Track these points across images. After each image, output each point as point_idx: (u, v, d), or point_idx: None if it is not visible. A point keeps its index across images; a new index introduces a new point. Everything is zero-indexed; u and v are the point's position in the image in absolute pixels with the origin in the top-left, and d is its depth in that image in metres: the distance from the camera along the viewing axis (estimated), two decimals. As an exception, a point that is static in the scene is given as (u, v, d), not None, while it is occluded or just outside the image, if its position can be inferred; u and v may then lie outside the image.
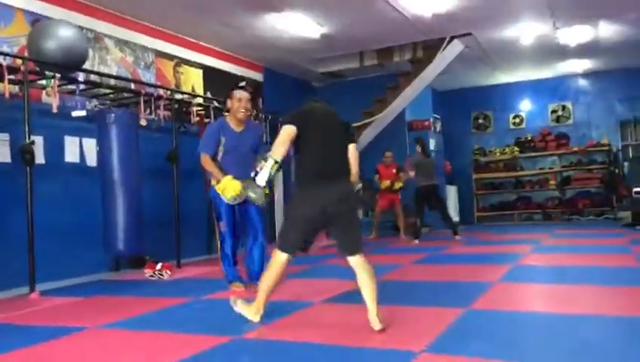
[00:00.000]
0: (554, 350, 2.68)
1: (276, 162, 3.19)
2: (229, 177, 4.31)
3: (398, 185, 9.18)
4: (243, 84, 4.72)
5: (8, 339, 3.34)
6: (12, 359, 2.95)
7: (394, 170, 9.28)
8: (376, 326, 3.11)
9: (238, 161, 4.45)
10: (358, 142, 9.96)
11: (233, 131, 4.55)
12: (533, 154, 12.09)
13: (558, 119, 12.17)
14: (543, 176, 12.08)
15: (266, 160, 3.21)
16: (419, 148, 8.86)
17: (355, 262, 3.30)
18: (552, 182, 11.91)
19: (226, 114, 4.67)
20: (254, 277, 4.43)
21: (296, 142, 3.30)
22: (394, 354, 2.69)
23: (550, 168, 12.03)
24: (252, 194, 3.65)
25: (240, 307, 3.47)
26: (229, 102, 4.55)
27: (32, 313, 4.20)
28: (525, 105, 12.52)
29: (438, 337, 2.91)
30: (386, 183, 9.20)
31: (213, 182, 4.50)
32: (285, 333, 3.19)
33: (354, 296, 4.25)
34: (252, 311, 3.40)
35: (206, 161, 4.46)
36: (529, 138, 12.18)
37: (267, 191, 3.70)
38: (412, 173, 8.64)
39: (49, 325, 3.73)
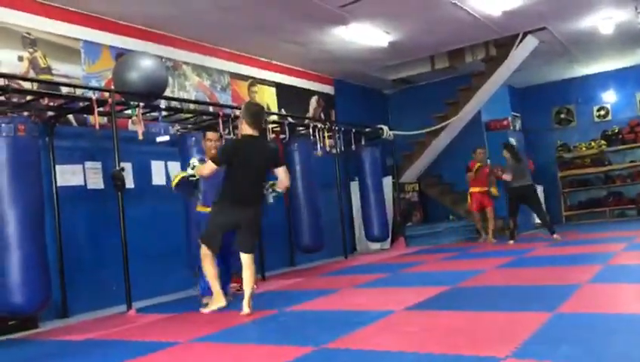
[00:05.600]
0: (648, 353, 2.56)
1: (192, 175, 4.84)
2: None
3: (494, 192, 8.88)
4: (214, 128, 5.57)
5: (110, 354, 3.58)
6: (114, 373, 3.17)
7: (487, 171, 8.89)
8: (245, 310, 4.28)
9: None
10: (431, 146, 9.90)
11: None
12: (622, 146, 11.48)
13: (647, 108, 11.50)
14: (634, 170, 11.43)
15: (190, 166, 4.84)
16: (507, 154, 8.56)
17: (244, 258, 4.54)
18: (646, 175, 11.24)
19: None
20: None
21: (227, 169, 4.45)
22: (478, 360, 2.66)
23: (642, 160, 11.37)
24: (188, 169, 4.93)
25: (210, 308, 4.62)
26: (202, 143, 5.24)
27: (130, 329, 4.46)
28: (610, 97, 11.92)
29: (524, 342, 2.85)
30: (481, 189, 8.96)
31: (198, 208, 5.14)
32: (367, 342, 3.23)
33: (435, 303, 4.25)
34: (217, 302, 4.60)
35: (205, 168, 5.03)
36: (616, 130, 11.58)
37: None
38: (508, 177, 8.35)
39: (146, 340, 3.95)
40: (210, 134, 5.20)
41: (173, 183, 5.06)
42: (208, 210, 4.79)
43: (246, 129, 4.51)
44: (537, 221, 9.87)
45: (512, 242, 8.28)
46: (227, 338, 3.74)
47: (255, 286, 4.53)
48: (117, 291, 5.24)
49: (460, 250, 8.23)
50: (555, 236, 8.09)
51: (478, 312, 3.80)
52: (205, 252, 4.50)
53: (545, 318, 3.32)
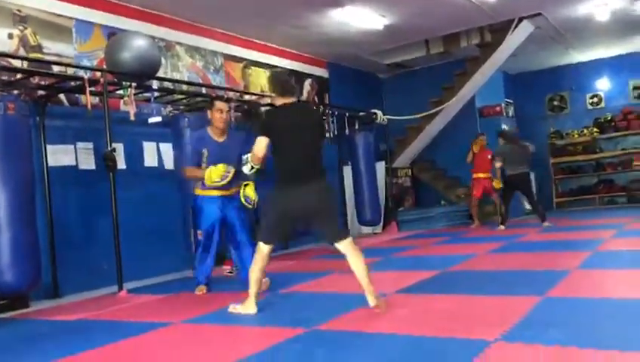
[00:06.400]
0: (635, 337, 2.59)
1: (253, 167, 3.73)
2: (209, 168, 4.41)
3: (497, 185, 8.84)
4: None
5: (101, 334, 3.58)
6: (105, 352, 3.17)
7: (489, 156, 8.85)
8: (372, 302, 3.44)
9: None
10: (425, 131, 9.90)
11: (215, 142, 4.63)
12: (615, 134, 11.52)
13: (640, 96, 11.53)
14: (626, 157, 11.47)
15: (245, 164, 3.76)
16: (501, 141, 8.60)
17: (341, 248, 3.58)
18: (637, 162, 11.29)
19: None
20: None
21: (272, 145, 3.63)
22: (467, 343, 2.68)
23: (634, 148, 11.41)
24: (245, 170, 3.85)
25: (238, 309, 3.78)
26: (209, 113, 4.67)
27: (122, 310, 4.46)
28: (603, 84, 11.93)
29: (514, 326, 2.88)
30: (485, 175, 8.95)
31: (197, 191, 4.65)
32: (359, 324, 3.25)
33: (426, 287, 4.28)
34: (248, 308, 3.73)
35: (188, 171, 4.63)
36: (609, 118, 11.60)
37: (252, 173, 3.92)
38: (498, 164, 8.40)
39: (137, 321, 3.95)
40: (219, 104, 4.68)
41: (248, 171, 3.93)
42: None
43: (280, 100, 3.84)
44: (528, 207, 9.92)
45: (502, 227, 8.33)
46: (219, 320, 3.75)
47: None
48: (108, 271, 5.23)
49: (451, 234, 8.27)
50: (545, 223, 8.13)
51: (469, 296, 3.83)
52: (263, 253, 3.67)
53: (534, 302, 3.35)
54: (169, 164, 6.25)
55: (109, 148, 5.20)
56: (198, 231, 4.73)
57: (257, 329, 3.39)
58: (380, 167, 9.42)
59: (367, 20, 7.67)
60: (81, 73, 5.35)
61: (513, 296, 3.68)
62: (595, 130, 11.67)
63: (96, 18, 6.00)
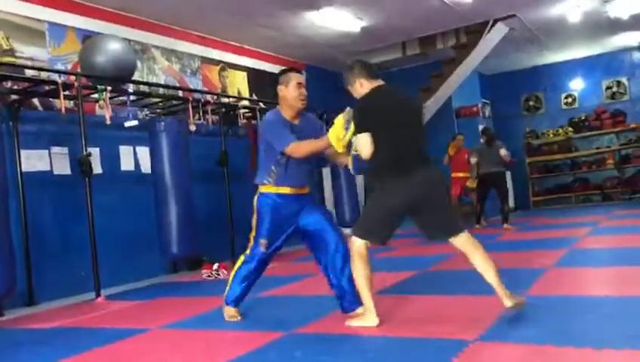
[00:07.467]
0: (611, 334, 2.63)
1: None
2: (330, 130, 3.29)
3: (472, 185, 8.88)
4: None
5: (79, 341, 3.53)
6: (83, 360, 3.12)
7: (466, 156, 8.85)
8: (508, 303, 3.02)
9: (299, 162, 3.51)
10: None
11: (293, 125, 3.57)
12: (589, 133, 11.72)
13: (613, 96, 11.75)
14: (600, 156, 11.69)
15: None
16: (482, 139, 8.67)
17: (460, 243, 3.17)
18: (610, 161, 11.51)
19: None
20: (352, 300, 3.44)
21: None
22: (446, 343, 2.70)
23: (607, 147, 11.62)
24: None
25: (356, 323, 3.21)
26: (282, 88, 3.63)
27: (99, 316, 4.41)
28: (577, 84, 12.14)
29: (492, 325, 2.91)
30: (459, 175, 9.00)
31: (261, 188, 3.55)
32: (338, 327, 3.24)
33: (404, 287, 4.30)
34: (367, 320, 3.17)
35: (299, 146, 3.38)
36: (583, 117, 11.81)
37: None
38: (473, 160, 8.46)
39: (115, 327, 3.91)
40: (297, 76, 3.65)
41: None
42: (272, 189, 3.50)
43: (367, 85, 3.37)
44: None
45: (478, 226, 8.40)
46: (198, 325, 3.72)
47: (224, 271, 4.45)
48: (85, 278, 5.17)
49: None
50: (505, 226, 8.14)
51: (447, 296, 3.86)
52: (362, 252, 3.19)
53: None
54: (146, 167, 6.19)
55: (85, 153, 5.14)
56: (261, 241, 3.54)
57: (236, 334, 3.37)
58: (359, 168, 9.42)
59: (344, 22, 7.70)
60: (55, 77, 5.28)
61: (491, 295, 3.67)
62: (570, 129, 11.86)
63: (70, 21, 5.92)
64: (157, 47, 6.89)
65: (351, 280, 3.32)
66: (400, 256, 6.38)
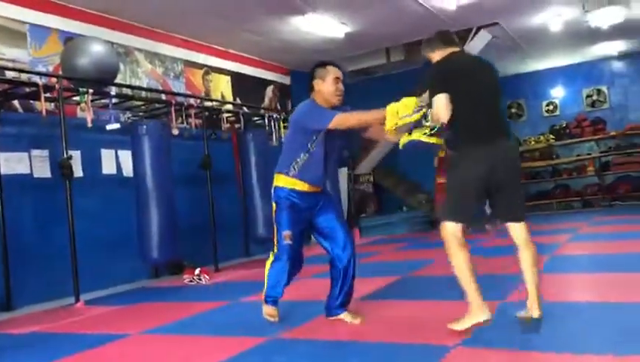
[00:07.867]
0: (592, 339, 2.66)
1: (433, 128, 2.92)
2: (391, 105, 3.17)
3: None
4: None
5: (58, 347, 3.48)
6: (60, 366, 3.08)
7: None
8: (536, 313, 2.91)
9: (327, 159, 3.43)
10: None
11: None
12: (569, 141, 11.84)
13: (593, 104, 11.90)
14: (580, 163, 11.81)
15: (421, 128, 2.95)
16: None
17: (519, 231, 3.09)
18: (590, 168, 11.63)
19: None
20: (339, 305, 3.47)
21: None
22: (428, 349, 2.71)
23: (588, 154, 11.75)
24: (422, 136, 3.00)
25: (464, 323, 2.93)
26: (318, 82, 3.42)
27: (79, 322, 4.35)
28: (558, 92, 12.28)
29: (474, 331, 2.91)
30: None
31: (276, 182, 3.47)
32: (320, 332, 3.24)
33: (387, 293, 4.30)
34: (475, 315, 2.91)
35: (347, 116, 3.31)
36: (564, 125, 11.93)
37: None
38: None
39: (95, 333, 3.86)
40: (335, 70, 3.44)
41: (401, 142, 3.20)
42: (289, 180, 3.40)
43: (440, 52, 3.13)
44: (489, 213, 10.07)
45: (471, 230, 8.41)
46: (179, 330, 3.69)
47: (206, 276, 4.40)
48: (65, 282, 5.09)
49: (412, 240, 8.35)
50: (487, 226, 8.16)
51: (429, 301, 3.87)
52: (456, 233, 2.95)
53: (494, 307, 3.39)
54: (128, 171, 6.13)
55: (65, 156, 5.08)
56: (284, 233, 3.43)
57: (218, 340, 3.34)
58: (343, 173, 9.45)
59: (329, 28, 7.70)
60: (35, 79, 5.21)
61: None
62: (551, 136, 11.99)
63: (52, 23, 5.85)
64: (140, 50, 6.84)
65: (348, 284, 3.42)
66: (383, 261, 6.39)
